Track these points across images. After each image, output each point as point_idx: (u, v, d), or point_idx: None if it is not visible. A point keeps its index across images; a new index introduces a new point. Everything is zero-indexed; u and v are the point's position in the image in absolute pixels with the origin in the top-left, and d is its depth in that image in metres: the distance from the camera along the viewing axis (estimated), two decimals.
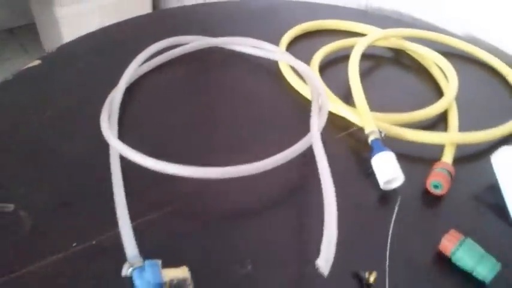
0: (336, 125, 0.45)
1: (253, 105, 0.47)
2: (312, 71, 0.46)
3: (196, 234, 0.34)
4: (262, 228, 0.35)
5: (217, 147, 0.42)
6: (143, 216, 0.34)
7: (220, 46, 0.52)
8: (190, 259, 0.31)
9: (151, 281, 0.28)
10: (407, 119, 0.45)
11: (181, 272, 0.29)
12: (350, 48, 0.53)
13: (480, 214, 0.38)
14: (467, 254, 0.32)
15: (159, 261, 0.29)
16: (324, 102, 0.42)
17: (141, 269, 0.29)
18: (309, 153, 0.38)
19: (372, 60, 0.55)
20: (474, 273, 0.32)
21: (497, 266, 0.32)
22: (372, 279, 0.32)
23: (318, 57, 0.51)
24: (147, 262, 0.29)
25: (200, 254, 0.33)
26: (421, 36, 0.55)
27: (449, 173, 0.39)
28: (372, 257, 0.33)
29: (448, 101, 0.46)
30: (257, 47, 0.51)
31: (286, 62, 0.49)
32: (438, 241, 0.34)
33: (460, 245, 0.33)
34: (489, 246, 0.33)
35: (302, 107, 0.46)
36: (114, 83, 0.45)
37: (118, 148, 0.37)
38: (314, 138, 0.38)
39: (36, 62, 0.50)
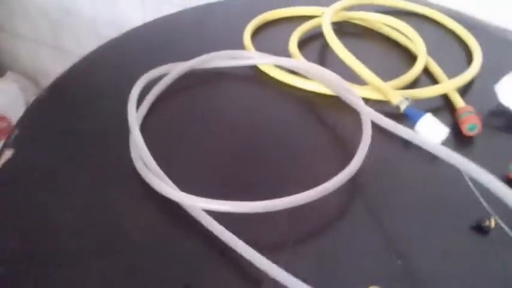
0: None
1: (261, 116, 0.46)
2: (314, 64, 0.47)
3: (330, 250, 0.34)
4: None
5: (256, 169, 0.40)
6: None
7: (198, 67, 0.49)
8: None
9: None
10: (402, 83, 0.48)
11: None
12: (311, 31, 0.56)
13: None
14: None
15: None
16: (348, 87, 0.44)
17: None
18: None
19: (321, 38, 0.57)
20: None
21: None
22: (492, 224, 0.35)
23: (293, 46, 0.52)
24: None
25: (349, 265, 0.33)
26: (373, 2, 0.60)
27: (475, 113, 0.44)
28: (463, 207, 0.37)
29: (424, 57, 0.51)
30: (236, 58, 0.50)
31: (278, 64, 0.49)
32: (505, 172, 0.39)
33: None
34: None
35: (311, 102, 0.47)
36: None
37: (206, 206, 0.34)
38: (375, 115, 0.39)
39: (9, 154, 0.41)
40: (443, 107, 0.48)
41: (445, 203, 0.38)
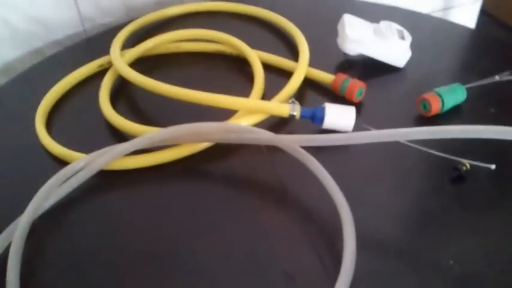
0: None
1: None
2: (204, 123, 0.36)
3: None
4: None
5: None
6: None
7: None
8: None
9: None
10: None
11: None
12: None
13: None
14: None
15: None
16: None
17: None
18: None
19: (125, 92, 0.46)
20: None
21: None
22: (467, 166, 0.34)
23: (113, 115, 0.40)
24: None
25: None
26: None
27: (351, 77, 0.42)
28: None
29: (256, 59, 0.45)
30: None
31: (138, 147, 0.36)
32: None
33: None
34: None
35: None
36: None
37: None
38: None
39: None
40: (311, 93, 0.44)
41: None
